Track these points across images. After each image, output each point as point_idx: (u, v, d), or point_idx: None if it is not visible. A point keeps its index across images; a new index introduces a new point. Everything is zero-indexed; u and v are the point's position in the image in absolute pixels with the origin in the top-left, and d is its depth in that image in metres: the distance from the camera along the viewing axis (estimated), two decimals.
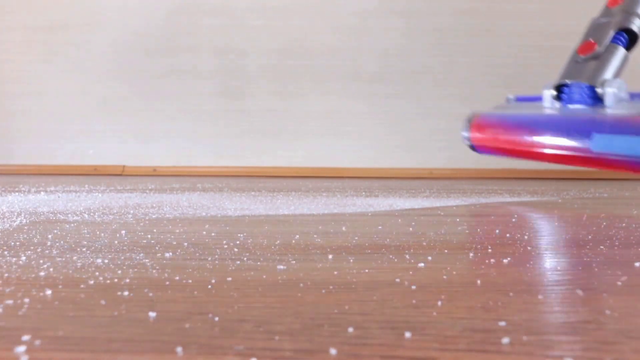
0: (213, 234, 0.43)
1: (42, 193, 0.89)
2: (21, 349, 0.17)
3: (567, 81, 0.76)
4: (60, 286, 0.25)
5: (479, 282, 0.27)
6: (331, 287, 0.25)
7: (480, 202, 0.78)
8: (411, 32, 2.01)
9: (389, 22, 2.01)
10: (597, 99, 0.72)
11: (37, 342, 0.17)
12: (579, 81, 0.75)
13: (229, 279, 0.27)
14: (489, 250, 0.36)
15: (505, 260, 0.32)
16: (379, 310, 0.21)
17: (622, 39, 0.74)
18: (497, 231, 0.46)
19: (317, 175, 1.96)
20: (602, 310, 0.22)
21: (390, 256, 0.33)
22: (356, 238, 0.41)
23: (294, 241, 0.39)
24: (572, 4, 1.86)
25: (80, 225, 0.48)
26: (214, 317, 0.20)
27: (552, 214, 0.63)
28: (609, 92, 0.71)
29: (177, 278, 0.27)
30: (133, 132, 1.99)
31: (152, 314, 0.21)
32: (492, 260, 0.33)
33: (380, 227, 0.48)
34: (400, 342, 0.18)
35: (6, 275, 0.27)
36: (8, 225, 0.48)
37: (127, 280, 0.26)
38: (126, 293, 0.24)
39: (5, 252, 0.34)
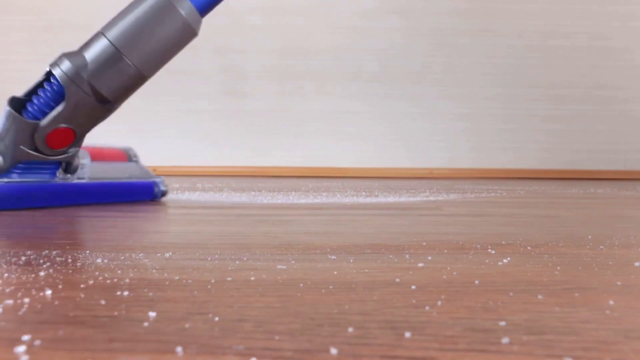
0: (213, 234, 0.43)
1: None
2: (21, 349, 0.17)
3: None
4: (60, 286, 0.25)
5: (478, 282, 0.27)
6: (331, 287, 0.25)
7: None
8: (411, 32, 2.01)
9: (389, 22, 2.01)
10: None
11: (37, 342, 0.17)
12: None
13: (229, 278, 0.27)
14: (489, 250, 0.36)
15: (505, 260, 0.32)
16: (379, 310, 0.21)
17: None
18: (497, 231, 0.46)
19: (317, 175, 1.96)
20: (602, 310, 0.22)
21: (390, 256, 0.34)
22: (356, 238, 0.41)
23: (294, 241, 0.39)
24: (572, 4, 1.86)
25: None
26: (214, 317, 0.20)
27: (552, 213, 0.63)
28: None
29: (177, 278, 0.27)
30: (133, 132, 1.99)
31: (152, 314, 0.21)
32: (492, 260, 0.33)
33: (380, 227, 0.48)
34: (400, 342, 0.18)
35: (6, 275, 0.27)
36: None
37: (127, 280, 0.26)
38: (126, 293, 0.24)
39: (5, 252, 0.34)
